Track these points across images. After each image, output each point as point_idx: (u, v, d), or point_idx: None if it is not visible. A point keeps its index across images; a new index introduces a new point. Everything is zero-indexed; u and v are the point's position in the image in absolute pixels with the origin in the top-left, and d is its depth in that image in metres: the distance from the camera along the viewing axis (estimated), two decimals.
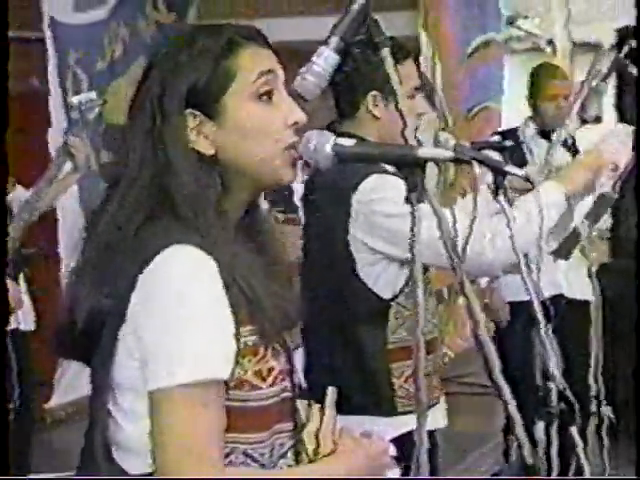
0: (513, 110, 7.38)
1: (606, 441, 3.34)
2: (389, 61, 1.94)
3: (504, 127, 6.09)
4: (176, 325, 1.48)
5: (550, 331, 2.66)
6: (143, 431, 1.51)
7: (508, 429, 4.59)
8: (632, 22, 8.18)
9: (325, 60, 1.86)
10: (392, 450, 1.78)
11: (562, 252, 2.81)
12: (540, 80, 4.78)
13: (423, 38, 6.19)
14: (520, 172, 2.52)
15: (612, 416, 3.45)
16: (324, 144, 1.71)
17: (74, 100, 4.09)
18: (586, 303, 4.52)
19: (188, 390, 1.46)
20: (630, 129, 2.90)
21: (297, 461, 1.65)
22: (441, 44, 6.22)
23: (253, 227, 1.69)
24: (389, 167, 2.57)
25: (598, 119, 3.95)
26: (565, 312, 4.10)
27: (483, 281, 4.56)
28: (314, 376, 2.57)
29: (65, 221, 5.37)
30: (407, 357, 2.64)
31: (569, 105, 4.69)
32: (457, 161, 1.71)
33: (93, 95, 4.06)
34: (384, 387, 2.64)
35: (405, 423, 2.60)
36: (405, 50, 2.64)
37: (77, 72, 5.09)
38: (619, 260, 5.48)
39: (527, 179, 2.78)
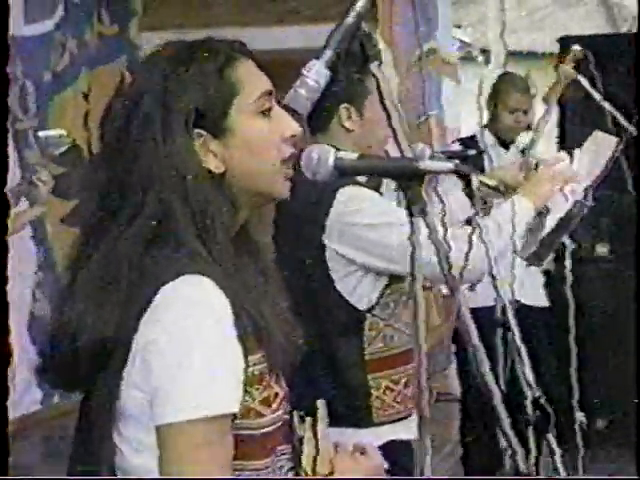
0: (452, 117, 7.48)
1: (580, 446, 3.38)
2: (379, 74, 1.95)
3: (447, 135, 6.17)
4: (186, 359, 1.45)
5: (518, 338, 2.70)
6: (148, 461, 1.49)
7: (464, 435, 4.63)
8: (566, 31, 8.30)
9: (317, 73, 1.87)
10: (384, 463, 1.80)
11: (536, 258, 2.85)
12: (502, 90, 4.82)
13: (382, 47, 6.24)
14: (493, 183, 2.56)
15: (585, 421, 3.50)
16: (327, 158, 1.72)
17: (40, 134, 4.03)
18: (541, 310, 4.60)
19: (197, 425, 1.44)
20: (609, 139, 2.96)
21: None
22: (393, 53, 6.29)
23: (249, 243, 1.68)
24: (361, 179, 2.58)
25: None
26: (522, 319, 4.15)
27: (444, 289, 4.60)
28: (295, 388, 2.57)
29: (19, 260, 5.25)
30: (384, 368, 2.65)
31: (527, 119, 4.76)
32: (456, 173, 1.72)
33: (62, 132, 4.00)
34: (362, 398, 2.64)
35: (382, 434, 2.62)
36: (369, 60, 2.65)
37: (25, 83, 5.02)
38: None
39: (499, 190, 2.83)
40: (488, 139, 4.72)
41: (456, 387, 4.94)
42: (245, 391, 1.50)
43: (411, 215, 1.75)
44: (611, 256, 5.63)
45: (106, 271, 1.52)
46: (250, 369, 1.51)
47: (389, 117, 1.96)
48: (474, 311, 2.12)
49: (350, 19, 1.89)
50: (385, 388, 2.64)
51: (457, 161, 1.74)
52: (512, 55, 9.85)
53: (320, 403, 1.68)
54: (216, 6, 7.06)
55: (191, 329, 1.46)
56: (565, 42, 5.84)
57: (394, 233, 2.47)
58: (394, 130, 1.96)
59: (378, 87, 1.99)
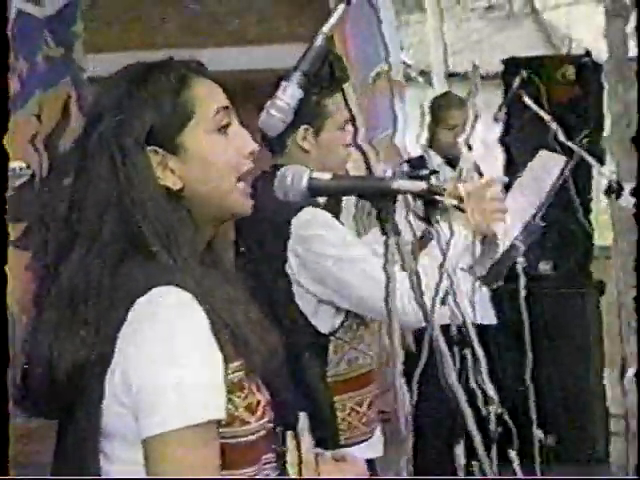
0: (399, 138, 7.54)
1: (537, 462, 3.42)
2: (350, 95, 1.97)
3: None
4: (166, 370, 1.46)
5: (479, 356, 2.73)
6: (132, 477, 1.49)
7: (416, 452, 4.63)
8: (503, 53, 8.43)
9: (290, 95, 1.88)
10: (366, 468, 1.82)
11: (490, 279, 2.87)
12: (438, 110, 4.94)
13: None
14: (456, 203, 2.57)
15: (543, 438, 3.53)
16: (300, 178, 1.73)
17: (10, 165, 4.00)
18: (489, 327, 4.64)
19: (184, 434, 1.45)
20: (556, 158, 2.99)
21: None
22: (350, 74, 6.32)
23: (215, 259, 1.69)
24: (322, 200, 2.59)
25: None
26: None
27: None
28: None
29: None
30: (348, 390, 2.66)
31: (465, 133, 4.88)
32: (430, 193, 1.75)
33: (22, 164, 3.96)
34: (328, 420, 2.65)
35: None
36: (336, 82, 2.66)
37: None
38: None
39: (460, 209, 2.85)
40: (435, 159, 4.79)
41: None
42: (228, 399, 1.51)
43: (384, 234, 1.77)
44: (554, 274, 5.70)
45: (74, 295, 1.52)
46: (230, 376, 1.52)
47: (355, 138, 1.97)
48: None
49: (320, 41, 1.91)
50: (350, 410, 2.65)
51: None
52: (452, 76, 9.97)
53: (302, 415, 1.69)
54: (158, 28, 7.06)
55: (169, 340, 1.47)
56: (510, 63, 5.96)
57: (352, 269, 2.47)
58: (364, 153, 1.98)
59: (349, 109, 2.00)
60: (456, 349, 3.64)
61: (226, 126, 1.64)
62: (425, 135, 4.95)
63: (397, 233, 1.75)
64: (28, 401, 1.58)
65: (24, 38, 4.88)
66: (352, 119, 2.01)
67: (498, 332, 4.80)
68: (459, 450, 3.18)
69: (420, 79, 10.75)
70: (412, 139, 5.02)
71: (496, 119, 4.92)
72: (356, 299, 2.49)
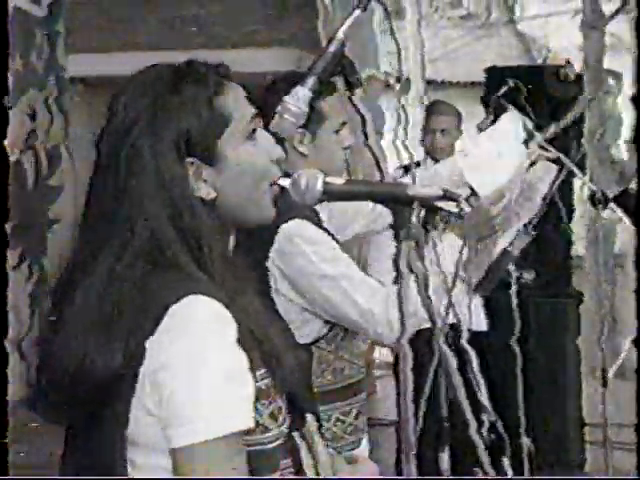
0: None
1: (527, 472, 3.42)
2: (358, 100, 1.98)
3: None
4: (198, 379, 1.45)
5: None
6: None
7: (399, 459, 4.65)
8: (481, 62, 8.45)
9: (302, 100, 1.88)
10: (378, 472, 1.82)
11: (483, 287, 2.88)
12: (430, 115, 5.04)
13: None
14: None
15: (532, 446, 3.54)
16: (315, 182, 1.73)
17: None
18: (480, 334, 4.65)
19: (215, 445, 1.44)
20: (548, 166, 3.01)
21: None
22: None
23: (240, 265, 1.68)
24: (309, 212, 2.54)
25: None
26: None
27: None
28: None
29: None
30: (334, 400, 2.64)
31: (456, 136, 4.98)
32: (445, 199, 1.75)
33: None
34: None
35: None
36: (332, 85, 2.64)
37: None
38: None
39: (460, 217, 2.85)
40: (429, 165, 4.85)
41: (386, 411, 4.97)
42: (255, 408, 1.51)
43: (398, 240, 1.78)
44: (535, 282, 5.72)
45: (104, 302, 1.50)
46: (257, 384, 1.51)
47: (366, 139, 1.98)
48: (418, 335, 2.15)
49: (334, 46, 1.91)
50: (335, 420, 2.63)
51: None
52: (429, 84, 10.02)
53: (309, 417, 1.69)
54: (139, 30, 7.05)
55: (201, 349, 1.46)
56: (492, 72, 5.98)
57: (335, 286, 2.44)
58: (375, 155, 1.98)
59: (359, 113, 2.01)
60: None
61: (254, 131, 1.62)
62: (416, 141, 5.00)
63: (411, 238, 1.75)
64: (46, 406, 1.57)
65: (21, 36, 4.86)
66: (362, 120, 2.00)
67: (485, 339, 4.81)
68: (445, 457, 3.18)
69: (397, 86, 10.81)
70: (413, 143, 5.07)
71: (480, 128, 4.94)
72: (338, 315, 2.48)
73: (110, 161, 1.56)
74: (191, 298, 1.48)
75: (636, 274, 4.36)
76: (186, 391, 1.44)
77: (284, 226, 2.46)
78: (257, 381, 1.52)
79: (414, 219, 1.77)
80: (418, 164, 4.92)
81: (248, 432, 1.50)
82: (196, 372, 1.45)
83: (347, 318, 2.47)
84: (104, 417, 1.49)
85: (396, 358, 4.82)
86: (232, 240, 1.66)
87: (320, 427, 2.57)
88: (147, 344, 1.46)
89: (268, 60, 5.88)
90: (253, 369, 1.51)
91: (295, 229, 2.47)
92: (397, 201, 1.74)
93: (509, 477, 2.40)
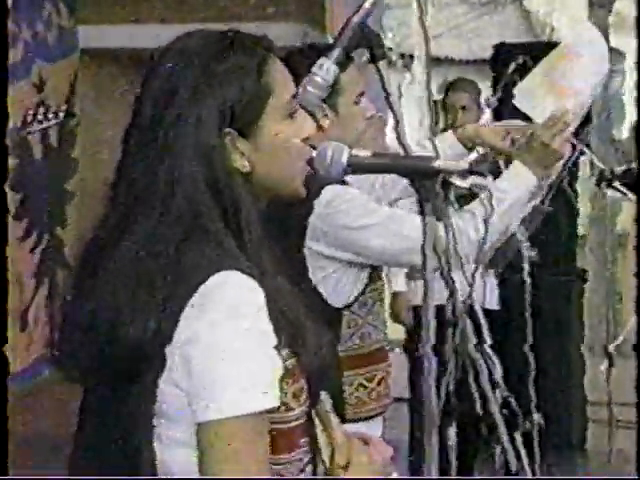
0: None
1: (537, 448, 3.43)
2: (383, 74, 1.97)
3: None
4: (228, 355, 1.43)
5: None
6: (182, 459, 1.47)
7: (412, 435, 4.67)
8: (483, 39, 8.40)
9: (326, 71, 1.87)
10: (391, 451, 1.80)
11: (497, 262, 2.88)
12: (450, 92, 4.99)
13: None
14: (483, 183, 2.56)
15: (542, 423, 3.55)
16: (340, 155, 1.72)
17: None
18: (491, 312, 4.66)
19: (241, 422, 1.43)
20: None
21: (314, 473, 1.63)
22: None
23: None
24: (348, 178, 2.57)
25: None
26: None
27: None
28: None
29: None
30: (359, 365, 2.66)
31: (477, 114, 4.91)
32: (471, 173, 1.75)
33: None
34: (335, 395, 2.64)
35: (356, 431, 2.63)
36: (348, 57, 2.63)
37: None
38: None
39: (472, 191, 2.85)
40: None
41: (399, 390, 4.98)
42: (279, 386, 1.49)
43: (422, 214, 1.77)
44: (540, 261, 5.72)
45: (139, 267, 1.48)
46: (285, 363, 1.50)
47: (395, 117, 1.96)
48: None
49: (359, 17, 1.90)
50: (358, 385, 2.64)
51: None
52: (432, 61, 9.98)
53: (323, 395, 1.68)
54: (147, 2, 7.01)
55: (232, 324, 1.44)
56: (500, 49, 5.97)
57: (373, 235, 2.48)
58: (397, 130, 1.97)
59: (383, 86, 1.99)
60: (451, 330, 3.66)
61: (295, 112, 1.59)
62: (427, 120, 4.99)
63: (437, 211, 1.74)
64: (73, 366, 1.56)
65: (27, 6, 4.81)
66: (387, 97, 1.98)
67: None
68: (451, 431, 3.19)
69: (400, 62, 10.76)
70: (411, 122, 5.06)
71: (488, 104, 4.93)
72: (388, 255, 2.51)
73: (152, 126, 1.53)
74: (225, 274, 1.46)
75: (636, 256, 4.37)
76: (214, 366, 1.43)
77: (323, 191, 2.48)
78: (285, 360, 1.50)
79: (437, 193, 1.76)
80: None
81: (272, 410, 1.48)
82: (226, 347, 1.43)
83: (400, 256, 2.50)
84: (132, 387, 1.48)
85: (408, 334, 4.82)
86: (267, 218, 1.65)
87: (335, 403, 2.59)
88: (180, 316, 1.45)
89: (274, 34, 5.82)
90: (280, 348, 1.49)
91: (331, 194, 2.49)
92: (422, 174, 1.74)
93: (509, 477, 2.39)
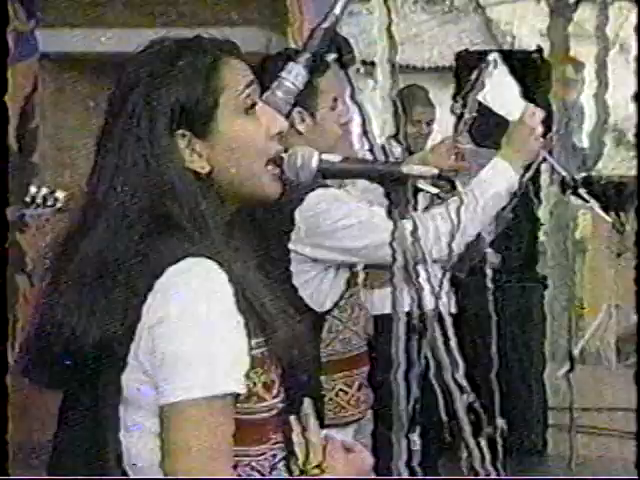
0: None
1: (500, 453, 3.44)
2: (352, 79, 1.97)
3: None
4: (191, 339, 1.45)
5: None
6: (151, 448, 1.48)
7: (375, 439, 4.65)
8: (444, 47, 8.44)
9: (295, 76, 1.87)
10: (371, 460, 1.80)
11: (462, 266, 2.90)
12: (404, 103, 4.93)
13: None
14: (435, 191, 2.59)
15: (505, 428, 3.56)
16: (310, 160, 1.72)
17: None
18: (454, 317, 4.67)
19: (203, 404, 1.44)
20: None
21: (289, 471, 1.63)
22: None
23: (241, 242, 1.68)
24: (330, 182, 2.57)
25: None
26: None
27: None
28: None
29: None
30: (339, 370, 2.67)
31: (430, 130, 4.90)
32: (440, 178, 1.75)
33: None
34: (317, 400, 2.64)
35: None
36: (325, 62, 2.63)
37: None
38: None
39: (439, 197, 2.86)
40: (396, 149, 4.81)
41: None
42: (247, 374, 1.51)
43: (391, 218, 1.78)
44: (501, 267, 5.75)
45: (100, 267, 1.51)
46: (253, 352, 1.51)
47: (363, 120, 1.97)
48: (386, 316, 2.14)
49: (328, 22, 1.90)
50: (339, 390, 2.65)
51: None
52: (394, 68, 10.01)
53: (307, 401, 1.68)
54: (108, 6, 6.96)
55: (196, 308, 1.46)
56: (463, 56, 6.00)
57: (355, 234, 2.49)
58: (366, 132, 1.98)
59: (353, 90, 2.00)
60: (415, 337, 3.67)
61: (252, 106, 1.61)
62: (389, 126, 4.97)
63: (404, 217, 1.75)
64: (39, 371, 1.57)
65: None
66: (356, 103, 1.99)
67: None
68: (414, 437, 3.19)
69: (362, 70, 10.79)
70: (376, 130, 5.03)
71: (453, 112, 4.93)
72: (370, 253, 2.50)
73: (111, 128, 1.57)
74: (188, 260, 1.48)
75: (635, 262, 4.40)
76: (178, 349, 1.45)
77: (312, 193, 2.50)
78: (252, 349, 1.51)
79: (406, 198, 1.77)
80: (382, 148, 4.89)
81: (244, 399, 1.51)
82: (190, 330, 1.45)
83: (382, 251, 2.50)
84: (100, 380, 1.50)
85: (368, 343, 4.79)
86: (237, 215, 1.65)
87: (317, 408, 2.59)
88: (144, 304, 1.47)
89: (237, 39, 5.80)
90: (249, 337, 1.51)
91: (319, 194, 2.50)
92: (392, 179, 1.74)
93: (510, 477, 2.40)
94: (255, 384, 1.53)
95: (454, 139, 3.03)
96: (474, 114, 3.60)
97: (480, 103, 4.20)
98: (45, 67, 6.16)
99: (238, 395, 1.50)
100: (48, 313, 1.54)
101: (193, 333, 1.45)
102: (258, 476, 1.57)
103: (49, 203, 4.06)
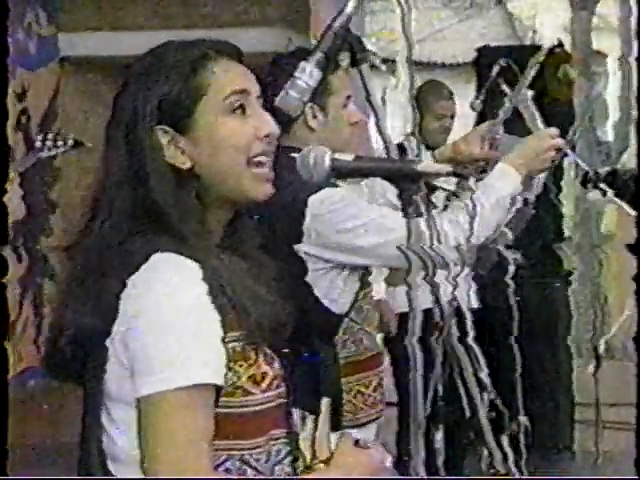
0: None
1: (523, 451, 3.41)
2: (366, 77, 1.97)
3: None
4: (164, 331, 1.48)
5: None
6: (136, 442, 1.50)
7: (400, 438, 4.64)
8: (466, 43, 8.44)
9: (309, 75, 1.86)
10: (390, 460, 1.78)
11: (483, 264, 2.87)
12: (427, 98, 4.87)
13: None
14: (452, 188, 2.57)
15: (529, 425, 3.53)
16: (323, 159, 1.72)
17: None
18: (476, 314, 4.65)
19: (177, 395, 1.46)
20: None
21: (293, 468, 1.63)
22: None
23: (237, 241, 1.68)
24: (340, 182, 2.56)
25: None
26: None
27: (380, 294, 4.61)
28: None
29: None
30: (355, 372, 2.67)
31: (452, 124, 4.86)
32: (455, 175, 1.75)
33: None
34: (334, 402, 2.63)
35: None
36: (336, 61, 2.62)
37: None
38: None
39: (455, 194, 2.85)
40: (414, 145, 4.77)
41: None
42: (229, 368, 1.51)
43: (406, 216, 1.77)
44: (523, 263, 5.72)
45: (86, 264, 1.57)
46: (231, 345, 1.52)
47: (377, 117, 1.96)
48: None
49: (340, 21, 1.89)
50: (356, 392, 2.65)
51: None
52: (415, 65, 9.99)
53: (325, 400, 1.68)
54: (129, 10, 6.99)
55: (167, 302, 1.49)
56: (484, 52, 5.97)
57: (366, 235, 2.47)
58: (380, 129, 1.97)
59: (366, 89, 1.99)
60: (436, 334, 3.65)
61: (241, 108, 1.62)
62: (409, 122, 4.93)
63: (419, 215, 1.74)
64: (49, 364, 1.63)
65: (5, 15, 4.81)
66: (368, 101, 1.98)
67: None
68: (438, 436, 3.18)
69: (383, 67, 10.78)
70: (395, 127, 5.00)
71: (473, 108, 4.91)
72: (380, 254, 2.49)
73: (107, 128, 1.63)
74: (160, 255, 1.51)
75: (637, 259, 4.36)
76: (152, 341, 1.47)
77: (319, 193, 2.48)
78: (232, 342, 1.52)
79: (419, 196, 1.76)
80: (400, 145, 4.86)
81: (229, 394, 1.52)
82: (163, 323, 1.48)
83: (392, 252, 2.49)
84: (86, 374, 1.55)
85: (387, 341, 4.76)
86: (227, 213, 1.65)
87: (334, 409, 2.59)
88: (121, 298, 1.50)
89: (257, 40, 5.82)
90: (226, 331, 1.51)
91: (327, 194, 2.48)
92: (405, 177, 1.73)
93: (515, 477, 2.39)
94: (239, 377, 1.53)
95: (489, 127, 2.96)
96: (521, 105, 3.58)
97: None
98: (66, 71, 6.19)
99: (220, 388, 1.51)
100: (55, 310, 1.61)
101: (164, 326, 1.48)
102: (250, 470, 1.57)
103: (59, 144, 4.08)
